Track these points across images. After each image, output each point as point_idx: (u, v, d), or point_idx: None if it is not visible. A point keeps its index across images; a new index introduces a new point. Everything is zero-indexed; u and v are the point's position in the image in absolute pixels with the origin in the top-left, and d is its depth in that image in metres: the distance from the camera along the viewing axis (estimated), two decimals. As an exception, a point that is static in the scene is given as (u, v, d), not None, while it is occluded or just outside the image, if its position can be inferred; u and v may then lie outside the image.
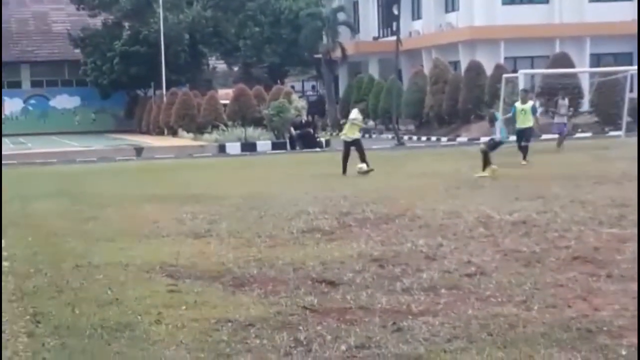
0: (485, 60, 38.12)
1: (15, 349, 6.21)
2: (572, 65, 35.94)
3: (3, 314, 7.28)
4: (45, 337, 6.53)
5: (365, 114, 18.81)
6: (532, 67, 39.01)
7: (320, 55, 51.20)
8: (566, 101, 27.77)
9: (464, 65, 39.99)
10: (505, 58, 39.97)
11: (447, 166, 22.22)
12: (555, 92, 29.36)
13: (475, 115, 36.38)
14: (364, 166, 20.64)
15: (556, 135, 27.45)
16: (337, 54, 49.95)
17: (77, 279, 8.74)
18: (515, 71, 31.72)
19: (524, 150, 22.02)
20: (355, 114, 21.84)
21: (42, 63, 59.28)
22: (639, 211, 8.35)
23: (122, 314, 7.20)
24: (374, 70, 50.03)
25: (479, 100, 35.92)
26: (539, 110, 33.94)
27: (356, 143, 21.23)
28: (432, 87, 38.34)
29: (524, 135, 22.29)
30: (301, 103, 35.98)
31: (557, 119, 27.61)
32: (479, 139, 33.65)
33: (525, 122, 22.38)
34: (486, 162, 18.81)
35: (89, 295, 7.96)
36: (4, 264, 9.82)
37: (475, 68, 37.43)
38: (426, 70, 41.60)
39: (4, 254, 10.55)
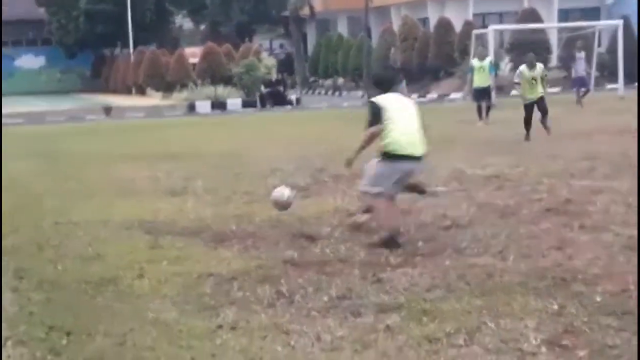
0: (453, 17, 38.15)
1: (1, 304, 6.27)
2: (540, 21, 36.09)
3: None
4: (30, 292, 6.59)
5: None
6: (501, 22, 39.13)
7: (288, 13, 50.90)
8: (583, 54, 26.17)
9: (432, 22, 39.99)
10: (474, 14, 40.00)
11: (418, 122, 22.30)
12: (524, 48, 29.42)
13: (445, 72, 36.49)
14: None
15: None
16: (306, 11, 49.68)
17: (58, 236, 8.79)
18: (484, 27, 31.76)
19: (486, 109, 20.94)
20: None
21: (6, 23, 58.15)
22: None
23: (105, 269, 7.28)
24: (342, 28, 49.90)
25: (449, 57, 35.99)
26: (508, 66, 34.24)
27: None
28: (401, 44, 38.33)
29: (484, 95, 21.18)
30: (271, 61, 35.85)
31: (575, 73, 26.08)
32: (448, 95, 33.90)
33: (484, 80, 21.23)
34: None
35: (71, 252, 8.02)
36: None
37: (444, 25, 37.46)
38: (395, 27, 41.56)
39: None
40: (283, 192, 9.06)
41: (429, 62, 37.33)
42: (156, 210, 10.40)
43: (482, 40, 29.04)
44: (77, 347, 5.18)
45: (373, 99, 8.41)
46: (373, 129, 8.21)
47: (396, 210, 8.42)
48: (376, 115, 8.21)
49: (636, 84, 27.67)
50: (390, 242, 7.87)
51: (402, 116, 8.22)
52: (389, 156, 8.18)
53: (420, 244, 7.98)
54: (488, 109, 20.99)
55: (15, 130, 25.46)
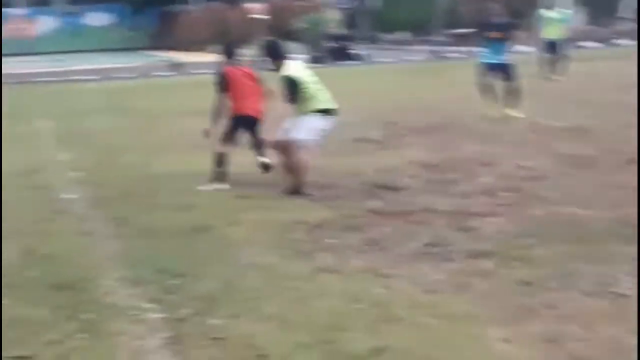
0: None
1: (109, 249, 6.60)
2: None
3: (87, 219, 7.69)
4: (133, 238, 6.91)
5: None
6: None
7: (352, -33, 50.59)
8: None
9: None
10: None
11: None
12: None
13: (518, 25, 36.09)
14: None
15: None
16: (370, -35, 49.36)
17: (147, 188, 9.11)
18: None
19: (558, 62, 20.20)
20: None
21: (74, -19, 59.11)
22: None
23: (199, 218, 7.56)
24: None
25: (514, 10, 35.56)
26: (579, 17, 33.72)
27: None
28: (470, -3, 37.96)
29: (554, 47, 20.35)
30: (335, 16, 35.81)
31: None
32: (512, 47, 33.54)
33: (554, 32, 20.31)
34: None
35: (163, 202, 8.33)
36: (72, 174, 10.21)
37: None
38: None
39: (68, 164, 10.95)
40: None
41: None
42: (236, 162, 10.64)
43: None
44: (189, 288, 5.47)
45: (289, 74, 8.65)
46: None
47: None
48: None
49: None
50: (299, 192, 8.50)
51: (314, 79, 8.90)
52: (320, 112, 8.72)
53: (502, 194, 8.11)
54: (564, 61, 20.20)
55: (90, 87, 26.01)
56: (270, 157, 9.45)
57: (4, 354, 4.55)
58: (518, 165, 9.42)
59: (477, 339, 4.50)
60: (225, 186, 9.14)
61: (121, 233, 7.10)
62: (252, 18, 38.92)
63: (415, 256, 6.10)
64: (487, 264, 5.77)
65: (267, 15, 37.07)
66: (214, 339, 4.61)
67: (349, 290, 5.30)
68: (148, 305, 5.20)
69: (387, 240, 6.60)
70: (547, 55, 20.57)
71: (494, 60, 13.97)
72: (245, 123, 9.65)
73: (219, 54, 10.10)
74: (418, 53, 36.33)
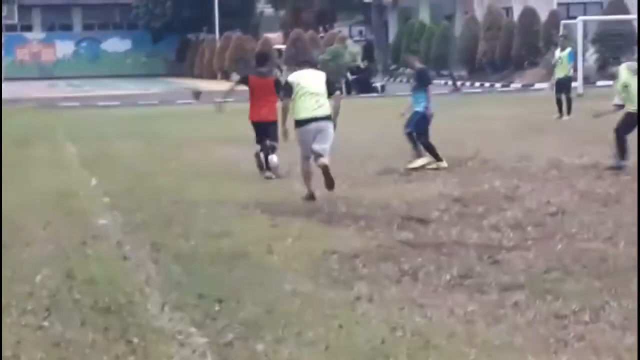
0: (538, 6, 37.97)
1: (148, 273, 6.80)
2: (627, 12, 35.67)
3: (123, 244, 7.89)
4: (170, 264, 7.10)
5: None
6: (585, 13, 38.70)
7: (370, 0, 51.11)
8: None
9: (516, 12, 39.82)
10: (559, 4, 39.72)
11: (506, 111, 22.46)
12: (610, 39, 29.16)
13: (529, 62, 36.38)
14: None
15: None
16: (388, -1, 49.91)
17: (181, 214, 9.31)
18: (569, 17, 31.61)
19: (567, 102, 19.95)
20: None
21: (93, 6, 59.80)
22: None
23: (235, 245, 7.76)
24: (424, 16, 49.90)
25: (533, 47, 35.89)
26: (594, 57, 33.97)
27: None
28: (485, 33, 38.28)
29: (563, 87, 20.32)
30: (356, 48, 36.21)
31: None
32: (532, 85, 33.82)
33: (563, 71, 20.47)
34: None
35: (197, 228, 8.53)
36: (104, 199, 10.44)
37: (529, 14, 37.28)
38: (477, 16, 41.49)
39: (100, 189, 11.18)
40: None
41: (513, 51, 37.25)
42: (267, 191, 10.88)
43: (568, 30, 28.93)
44: (230, 313, 5.65)
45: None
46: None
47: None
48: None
49: None
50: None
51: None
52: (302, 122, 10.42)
53: (529, 228, 8.27)
54: (569, 101, 20.13)
55: (113, 112, 26.39)
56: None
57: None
58: (542, 201, 9.58)
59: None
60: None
61: (159, 258, 7.29)
62: (272, 48, 39.32)
63: (450, 287, 6.27)
64: (519, 297, 5.93)
65: (287, 45, 37.50)
66: (261, 363, 4.78)
67: (389, 319, 5.47)
68: (193, 330, 5.38)
69: (420, 271, 6.76)
70: (557, 94, 20.53)
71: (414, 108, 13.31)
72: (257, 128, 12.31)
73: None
74: (436, 87, 36.59)
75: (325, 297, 6.00)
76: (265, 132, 12.14)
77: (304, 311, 5.66)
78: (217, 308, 5.77)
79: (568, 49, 21.43)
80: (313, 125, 10.17)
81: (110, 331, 5.38)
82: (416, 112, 13.19)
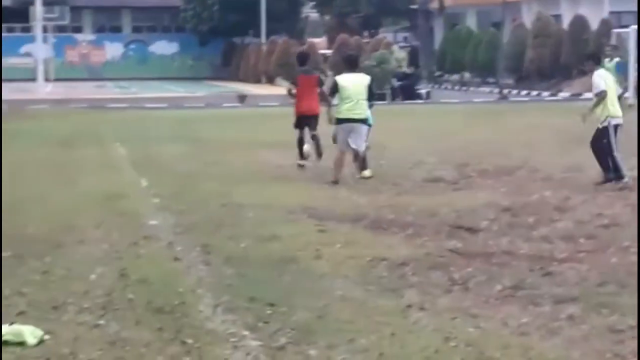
0: (588, 14, 37.60)
1: (199, 275, 6.84)
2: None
3: (174, 245, 7.95)
4: (220, 266, 7.14)
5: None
6: (638, 22, 38.27)
7: (416, 6, 50.99)
8: None
9: (565, 19, 39.47)
10: (611, 12, 39.30)
11: (554, 120, 22.24)
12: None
13: (578, 71, 35.97)
14: None
15: None
16: (434, 4, 49.69)
17: (230, 217, 9.36)
18: (622, 26, 31.23)
19: None
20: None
21: (142, 9, 60.29)
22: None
23: (283, 249, 7.78)
24: (471, 22, 49.68)
25: (583, 56, 35.50)
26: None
27: None
28: (534, 41, 37.95)
29: None
30: (402, 54, 36.13)
31: None
32: (581, 95, 33.48)
33: None
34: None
35: (246, 231, 8.56)
36: (154, 200, 10.53)
37: (580, 22, 36.92)
38: (525, 23, 41.19)
39: (149, 191, 11.28)
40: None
41: (562, 60, 36.91)
42: (313, 196, 10.89)
43: (620, 39, 28.60)
44: (283, 317, 5.66)
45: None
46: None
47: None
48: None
49: None
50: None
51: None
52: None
53: (581, 240, 8.18)
54: None
55: (160, 115, 26.61)
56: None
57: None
58: (594, 213, 9.48)
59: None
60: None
61: (210, 260, 7.34)
62: (317, 53, 39.38)
63: (502, 298, 6.23)
64: (574, 309, 5.87)
65: (333, 50, 37.51)
66: (315, 369, 4.79)
67: (441, 328, 5.45)
68: (245, 333, 5.40)
69: (471, 280, 6.72)
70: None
71: None
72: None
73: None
74: (483, 94, 36.45)
75: (376, 305, 5.99)
76: (308, 123, 13.98)
77: (356, 318, 5.66)
78: (268, 312, 5.79)
79: (615, 59, 21.08)
80: (349, 125, 12.10)
81: (164, 331, 5.42)
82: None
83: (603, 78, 11.77)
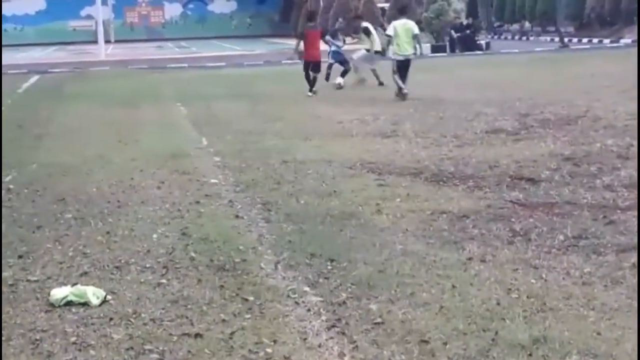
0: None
1: (260, 232, 6.89)
2: None
3: (235, 203, 8.01)
4: (281, 223, 7.17)
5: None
6: None
7: (475, -44, 50.09)
8: None
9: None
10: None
11: (616, 68, 21.82)
12: None
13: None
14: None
15: None
16: (493, -47, 48.81)
17: (290, 174, 9.39)
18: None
19: None
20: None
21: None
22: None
23: (343, 204, 7.78)
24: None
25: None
26: None
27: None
28: (595, -13, 37.16)
29: None
30: (460, 5, 35.61)
31: None
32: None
33: None
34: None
35: (306, 188, 8.58)
36: (215, 159, 10.61)
37: (644, -34, 35.96)
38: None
39: (210, 149, 11.36)
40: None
41: (623, 6, 36.05)
42: (373, 151, 10.87)
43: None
44: (343, 273, 5.68)
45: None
46: None
47: None
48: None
49: None
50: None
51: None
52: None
53: (646, 189, 8.03)
54: None
55: (219, 73, 26.72)
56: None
57: (171, 331, 4.81)
58: (658, 160, 9.29)
59: (635, 331, 4.55)
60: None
61: (270, 217, 7.37)
62: (376, 6, 39.06)
63: (564, 248, 6.16)
64: (637, 258, 5.78)
65: (390, 4, 37.14)
66: (375, 323, 4.79)
67: (503, 280, 5.41)
68: (306, 289, 5.43)
69: (532, 231, 6.66)
70: None
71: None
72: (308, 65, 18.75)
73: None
74: (543, 44, 35.82)
75: (436, 258, 5.96)
76: (312, 67, 18.65)
77: (416, 271, 5.65)
78: (329, 267, 5.81)
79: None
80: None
81: (225, 289, 5.47)
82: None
83: None
